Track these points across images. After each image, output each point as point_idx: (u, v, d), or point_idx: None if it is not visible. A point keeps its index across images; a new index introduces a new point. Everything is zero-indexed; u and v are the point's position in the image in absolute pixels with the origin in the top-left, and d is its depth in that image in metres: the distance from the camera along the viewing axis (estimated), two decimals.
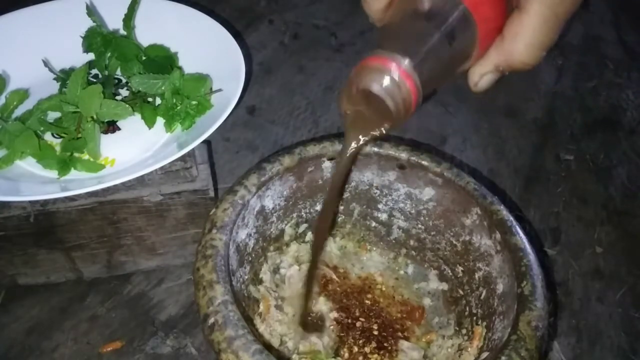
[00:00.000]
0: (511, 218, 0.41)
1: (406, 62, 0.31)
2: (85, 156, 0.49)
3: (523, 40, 0.33)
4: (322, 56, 0.80)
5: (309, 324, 0.44)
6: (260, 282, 0.45)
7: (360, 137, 0.37)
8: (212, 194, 0.47)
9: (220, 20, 0.58)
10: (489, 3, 0.34)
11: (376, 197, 0.49)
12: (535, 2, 0.33)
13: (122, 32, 0.57)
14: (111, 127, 0.52)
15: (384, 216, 0.49)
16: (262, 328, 0.42)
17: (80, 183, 0.45)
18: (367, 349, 0.43)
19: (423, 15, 0.33)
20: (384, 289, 0.48)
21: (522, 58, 0.34)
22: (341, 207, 0.49)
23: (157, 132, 0.52)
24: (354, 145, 0.37)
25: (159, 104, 0.53)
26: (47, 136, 0.50)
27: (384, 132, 0.35)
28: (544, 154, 0.70)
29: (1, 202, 0.43)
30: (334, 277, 0.47)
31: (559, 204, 0.63)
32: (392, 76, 0.31)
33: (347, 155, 0.37)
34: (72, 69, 0.54)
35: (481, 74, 0.36)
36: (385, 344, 0.43)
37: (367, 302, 0.46)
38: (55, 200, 0.44)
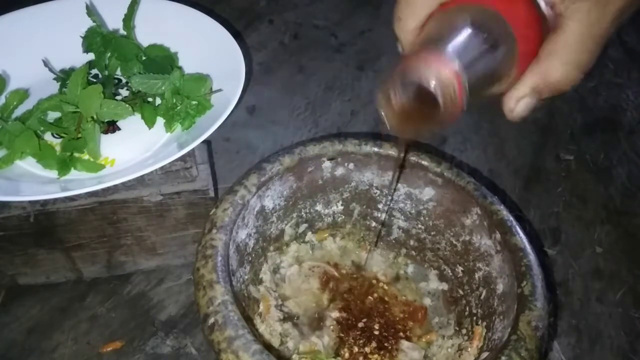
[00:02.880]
0: (511, 218, 0.41)
1: (456, 61, 0.30)
2: (85, 156, 0.49)
3: (558, 58, 0.32)
4: (322, 56, 0.80)
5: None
6: (260, 282, 0.45)
7: (407, 136, 0.36)
8: (212, 194, 0.47)
9: (220, 20, 0.58)
10: (527, 21, 0.34)
11: (376, 197, 0.49)
12: (572, 20, 0.32)
13: (122, 32, 0.57)
14: (111, 127, 0.52)
15: (384, 216, 0.49)
16: (262, 328, 0.42)
17: (80, 183, 0.45)
18: (367, 349, 0.43)
19: (468, 25, 0.32)
20: (386, 287, 0.48)
21: (558, 76, 0.33)
22: (341, 207, 0.49)
23: (157, 132, 0.52)
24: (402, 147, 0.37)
25: (159, 104, 0.53)
26: (47, 136, 0.50)
27: (429, 131, 0.34)
28: (544, 154, 0.69)
29: (1, 202, 0.43)
30: (335, 274, 0.47)
31: (559, 204, 0.63)
32: (444, 72, 0.30)
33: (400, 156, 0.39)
34: (72, 69, 0.54)
35: (517, 98, 0.34)
36: (385, 344, 0.43)
37: (371, 300, 0.46)
38: (55, 200, 0.44)
